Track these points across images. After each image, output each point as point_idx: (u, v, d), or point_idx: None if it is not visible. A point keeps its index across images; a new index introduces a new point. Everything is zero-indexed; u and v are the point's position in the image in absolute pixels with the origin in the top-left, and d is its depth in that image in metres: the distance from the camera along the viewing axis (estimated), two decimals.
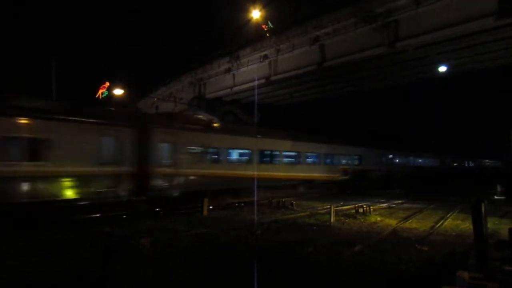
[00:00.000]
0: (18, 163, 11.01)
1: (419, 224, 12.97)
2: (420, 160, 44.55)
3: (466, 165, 69.35)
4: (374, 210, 16.16)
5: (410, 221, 13.63)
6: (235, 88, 25.35)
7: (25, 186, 11.14)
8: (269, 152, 20.81)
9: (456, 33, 14.96)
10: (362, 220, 13.57)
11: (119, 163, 13.50)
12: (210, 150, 17.26)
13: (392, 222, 13.31)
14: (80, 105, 14.49)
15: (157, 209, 15.01)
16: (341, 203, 18.58)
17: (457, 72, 22.30)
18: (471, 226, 6.44)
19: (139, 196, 14.26)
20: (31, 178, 11.23)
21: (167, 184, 15.04)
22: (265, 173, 19.33)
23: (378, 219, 14.01)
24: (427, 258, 8.15)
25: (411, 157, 41.56)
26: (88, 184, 12.63)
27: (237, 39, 24.50)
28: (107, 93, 29.10)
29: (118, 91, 27.62)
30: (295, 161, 22.59)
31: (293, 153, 22.48)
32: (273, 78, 22.55)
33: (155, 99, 33.59)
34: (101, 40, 78.37)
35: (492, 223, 11.43)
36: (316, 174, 24.02)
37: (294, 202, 17.68)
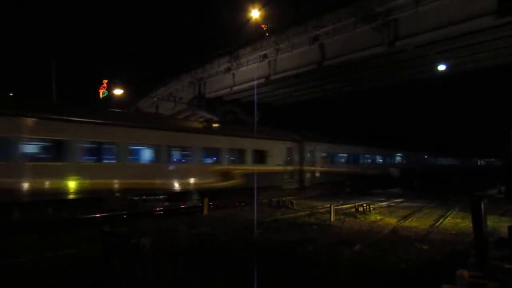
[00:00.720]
0: (254, 165, 18.80)
1: (419, 222, 12.98)
2: (438, 160, 51.01)
3: (467, 164, 69.70)
4: (374, 209, 16.18)
5: (410, 219, 13.65)
6: (235, 88, 25.34)
7: (256, 177, 17.33)
8: (357, 155, 28.88)
9: (455, 32, 14.96)
10: (362, 219, 13.58)
11: (292, 164, 21.49)
12: (330, 155, 25.44)
13: (392, 221, 13.33)
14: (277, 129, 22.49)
15: (157, 209, 15.09)
16: (341, 202, 18.60)
17: (457, 72, 22.29)
18: (471, 225, 6.45)
19: (300, 185, 22.04)
20: (259, 173, 18.12)
21: (310, 177, 22.90)
22: (354, 170, 27.64)
23: (378, 218, 14.02)
24: (427, 257, 8.16)
25: (434, 158, 48.28)
26: (283, 176, 20.74)
27: (236, 38, 24.49)
28: (107, 93, 29.14)
29: (118, 91, 27.63)
30: (370, 162, 30.96)
31: (369, 156, 30.98)
32: (272, 77, 22.55)
33: (155, 99, 33.58)
34: (101, 40, 78.38)
35: (492, 222, 11.44)
36: (378, 172, 31.54)
37: (294, 201, 17.70)
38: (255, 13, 18.73)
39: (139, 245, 7.86)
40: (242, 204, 17.60)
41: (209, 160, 17.50)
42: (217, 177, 17.27)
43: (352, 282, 6.46)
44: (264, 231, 10.99)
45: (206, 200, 14.90)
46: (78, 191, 12.54)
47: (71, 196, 12.39)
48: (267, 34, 22.38)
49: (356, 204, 16.26)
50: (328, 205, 14.77)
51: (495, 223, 11.87)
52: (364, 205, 15.98)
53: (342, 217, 13.89)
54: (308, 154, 22.72)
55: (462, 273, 5.18)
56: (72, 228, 10.70)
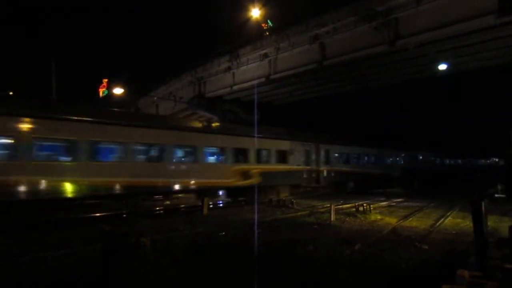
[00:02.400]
0: (278, 164, 20.56)
1: (419, 222, 12.97)
2: (447, 160, 53.42)
3: (467, 164, 69.87)
4: (374, 208, 16.17)
5: (410, 219, 13.64)
6: (235, 87, 25.32)
7: (277, 175, 20.21)
8: (366, 156, 30.59)
9: (456, 32, 14.93)
10: (362, 219, 13.57)
11: (309, 164, 23.05)
12: (342, 155, 26.94)
13: (392, 220, 13.32)
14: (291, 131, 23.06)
15: (157, 208, 15.14)
16: (341, 201, 18.59)
17: (458, 71, 22.26)
18: (471, 225, 6.44)
19: (317, 184, 23.75)
20: (281, 172, 20.59)
21: (326, 176, 24.39)
22: (362, 170, 29.22)
23: (378, 217, 14.01)
24: (427, 256, 8.15)
25: (446, 158, 51.51)
26: (302, 175, 22.26)
27: (237, 37, 24.46)
28: (107, 92, 29.12)
29: (117, 90, 27.58)
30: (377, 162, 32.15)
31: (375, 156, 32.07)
32: (273, 76, 22.52)
33: (155, 98, 33.56)
34: (101, 40, 78.35)
35: (492, 221, 11.42)
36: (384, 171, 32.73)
37: (294, 201, 17.70)
38: (255, 12, 18.68)
39: (139, 245, 7.86)
40: (242, 203, 17.65)
41: (239, 159, 18.53)
42: (243, 175, 18.32)
43: (352, 281, 6.45)
44: (265, 230, 10.98)
45: (206, 200, 14.91)
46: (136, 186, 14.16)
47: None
48: (267, 33, 22.36)
49: (356, 204, 16.25)
50: (328, 205, 14.77)
51: (496, 223, 11.86)
52: (364, 204, 15.97)
53: (342, 216, 13.88)
54: (323, 155, 24.37)
55: (462, 273, 5.17)
56: (72, 228, 10.70)
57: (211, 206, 16.01)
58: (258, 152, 19.44)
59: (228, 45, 24.98)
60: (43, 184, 11.65)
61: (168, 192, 16.03)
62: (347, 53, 18.52)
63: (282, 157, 21.00)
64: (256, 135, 18.85)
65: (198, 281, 6.23)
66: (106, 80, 31.57)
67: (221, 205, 17.98)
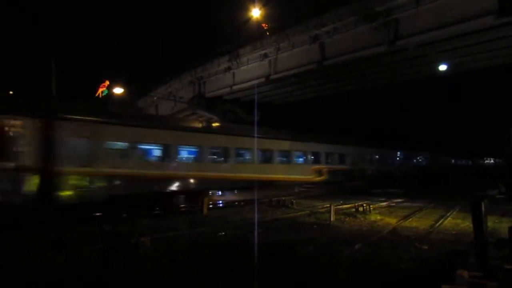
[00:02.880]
0: (338, 165, 26.76)
1: (419, 223, 12.97)
2: (454, 161, 58.59)
3: (468, 164, 70.10)
4: (374, 209, 16.17)
5: (410, 220, 13.64)
6: (235, 87, 25.31)
7: (338, 173, 26.03)
8: (382, 156, 34.62)
9: (456, 32, 14.94)
10: (362, 219, 13.57)
11: (359, 164, 28.92)
12: (361, 155, 30.35)
13: (392, 221, 13.32)
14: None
15: (157, 208, 15.15)
16: (341, 202, 18.59)
17: (458, 71, 22.27)
18: (471, 225, 6.44)
19: (361, 180, 28.52)
20: (339, 171, 26.20)
21: (356, 174, 28.40)
22: (377, 168, 32.95)
23: (378, 218, 14.01)
24: (427, 256, 8.15)
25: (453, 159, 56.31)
26: (346, 173, 26.95)
27: (237, 37, 24.45)
28: (107, 92, 29.07)
29: (117, 90, 27.53)
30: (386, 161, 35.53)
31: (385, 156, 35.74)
32: (273, 76, 22.52)
33: (155, 98, 33.56)
34: (101, 39, 78.31)
35: (492, 222, 11.42)
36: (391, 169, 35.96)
37: (294, 201, 17.70)
38: (255, 12, 18.69)
39: (139, 244, 7.87)
40: (242, 203, 17.67)
41: (315, 161, 24.82)
42: (318, 173, 24.34)
43: (352, 281, 6.45)
44: (265, 230, 10.98)
45: (206, 199, 14.92)
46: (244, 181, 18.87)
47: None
48: (267, 33, 22.34)
49: (356, 204, 16.25)
50: (328, 205, 14.76)
51: (496, 224, 11.86)
52: (364, 205, 15.97)
53: (342, 217, 13.88)
54: (351, 156, 28.79)
55: (462, 273, 5.18)
56: (72, 227, 10.69)
57: (211, 206, 16.01)
58: (327, 155, 25.76)
59: (228, 45, 24.98)
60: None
61: (279, 184, 21.25)
62: (347, 53, 18.51)
63: (341, 158, 27.17)
64: (323, 141, 25.71)
65: (198, 281, 6.23)
66: (106, 80, 31.53)
67: (221, 205, 17.99)
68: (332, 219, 12.96)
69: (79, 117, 13.27)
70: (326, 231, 11.20)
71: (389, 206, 18.02)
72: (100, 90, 29.19)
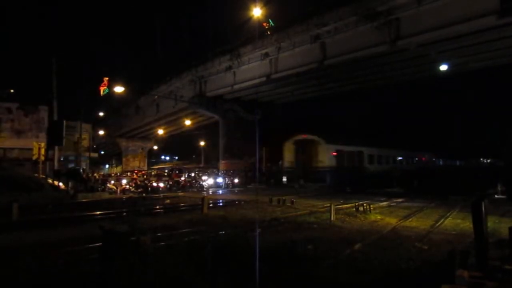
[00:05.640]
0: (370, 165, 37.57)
1: (419, 222, 12.95)
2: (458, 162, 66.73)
3: (469, 164, 70.29)
4: (374, 208, 16.14)
5: (410, 219, 13.62)
6: (236, 86, 25.34)
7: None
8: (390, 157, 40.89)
9: (457, 32, 14.94)
10: (362, 219, 13.55)
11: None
12: (376, 157, 37.38)
13: (392, 220, 13.30)
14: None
15: (158, 207, 15.21)
16: (341, 201, 18.56)
17: (459, 71, 22.25)
18: (471, 225, 6.43)
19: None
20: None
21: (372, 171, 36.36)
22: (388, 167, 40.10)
23: (379, 217, 13.99)
24: (427, 256, 8.15)
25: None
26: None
27: (238, 37, 24.46)
28: (107, 90, 29.08)
29: (118, 89, 27.56)
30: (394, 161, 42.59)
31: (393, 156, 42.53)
32: (273, 76, 22.54)
33: (156, 96, 33.58)
34: (101, 38, 78.31)
35: (492, 222, 11.40)
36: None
37: (294, 200, 17.68)
38: (256, 12, 18.69)
39: (139, 243, 7.87)
40: (242, 202, 17.67)
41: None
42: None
43: (352, 280, 6.45)
44: (264, 229, 10.97)
45: (206, 199, 14.93)
46: None
47: None
48: (268, 33, 22.35)
49: (357, 204, 16.23)
50: (328, 204, 14.74)
51: (496, 224, 11.83)
52: (365, 204, 15.94)
53: (342, 216, 13.86)
54: (366, 157, 34.97)
55: (462, 273, 5.17)
56: (72, 225, 10.70)
57: (211, 205, 16.02)
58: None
59: (229, 44, 24.99)
60: None
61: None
62: (348, 53, 18.52)
63: (393, 160, 37.06)
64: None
65: (197, 280, 6.23)
66: (107, 78, 31.57)
67: (221, 204, 18.01)
68: (332, 219, 12.94)
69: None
70: (326, 230, 11.19)
71: (389, 206, 18.00)
72: (101, 89, 29.20)
